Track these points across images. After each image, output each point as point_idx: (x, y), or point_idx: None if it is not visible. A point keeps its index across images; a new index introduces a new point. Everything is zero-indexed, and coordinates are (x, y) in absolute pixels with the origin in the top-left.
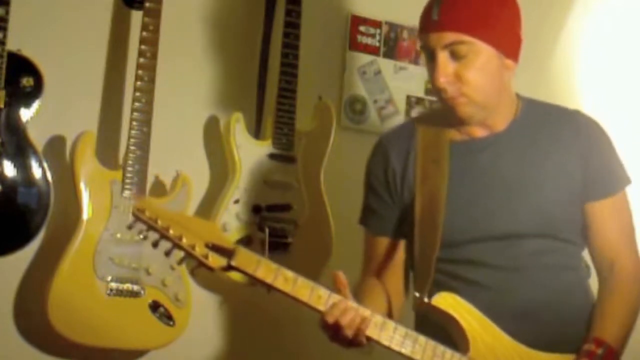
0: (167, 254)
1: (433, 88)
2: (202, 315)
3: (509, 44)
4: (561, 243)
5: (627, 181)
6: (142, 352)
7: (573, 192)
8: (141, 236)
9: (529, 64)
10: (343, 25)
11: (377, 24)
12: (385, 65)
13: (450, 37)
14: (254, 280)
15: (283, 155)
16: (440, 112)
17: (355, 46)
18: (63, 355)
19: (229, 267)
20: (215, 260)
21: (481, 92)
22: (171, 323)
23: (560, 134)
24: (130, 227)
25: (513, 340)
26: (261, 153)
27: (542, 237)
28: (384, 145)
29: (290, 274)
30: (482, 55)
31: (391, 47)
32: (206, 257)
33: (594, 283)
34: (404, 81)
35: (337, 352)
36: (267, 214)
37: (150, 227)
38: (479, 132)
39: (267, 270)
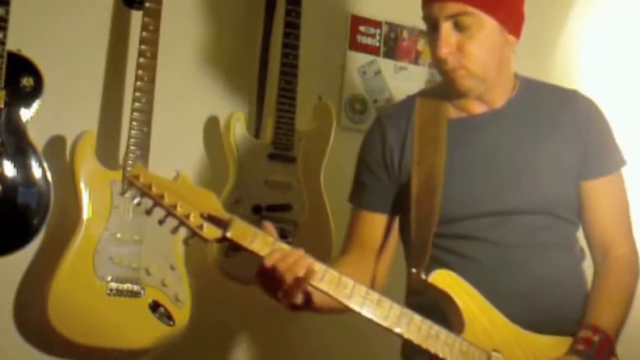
0: (161, 222)
1: (434, 59)
2: (202, 315)
3: (511, 19)
4: (558, 220)
5: (622, 162)
6: (142, 352)
7: (570, 171)
8: (135, 202)
9: (530, 62)
10: (343, 25)
11: (377, 24)
12: (385, 65)
13: (455, 7)
14: (249, 254)
15: (283, 155)
16: (438, 89)
17: (355, 46)
18: (63, 355)
19: (224, 239)
20: (210, 231)
21: (481, 65)
22: (171, 323)
23: (558, 112)
24: (123, 193)
25: (509, 322)
26: (261, 153)
27: (539, 213)
28: (382, 123)
29: (286, 247)
30: (485, 27)
31: (391, 47)
32: (201, 227)
33: (588, 267)
34: (404, 81)
35: (337, 351)
36: (267, 214)
37: (144, 194)
38: (477, 108)
39: (264, 243)
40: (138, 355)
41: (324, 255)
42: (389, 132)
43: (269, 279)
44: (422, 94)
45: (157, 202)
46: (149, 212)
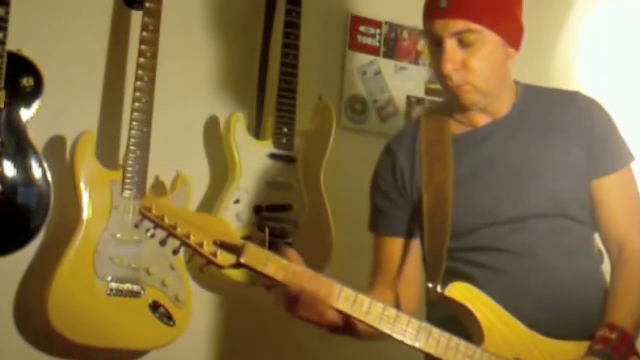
0: (175, 252)
1: (438, 75)
2: (202, 315)
3: (513, 33)
4: (573, 223)
5: (630, 158)
6: (142, 352)
7: (579, 171)
8: (148, 234)
9: (530, 63)
10: (343, 25)
11: (377, 24)
12: (385, 65)
13: (459, 25)
14: (263, 277)
15: (283, 155)
16: (441, 107)
17: (355, 46)
18: (63, 355)
19: (238, 265)
20: (224, 258)
21: (486, 80)
22: (171, 323)
23: (561, 114)
24: (137, 226)
25: (529, 330)
26: (261, 153)
27: (553, 216)
28: (391, 147)
29: (300, 269)
30: (488, 43)
31: (391, 47)
32: (214, 254)
33: (607, 269)
34: (404, 81)
35: (337, 350)
36: (267, 214)
37: (158, 225)
38: (481, 120)
39: (277, 267)
40: (138, 355)
41: (324, 255)
42: (399, 155)
43: (296, 304)
44: (427, 114)
45: (171, 232)
46: (163, 242)
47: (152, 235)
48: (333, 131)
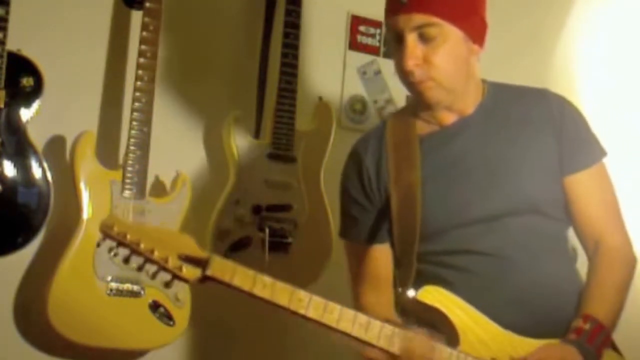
0: (140, 268)
1: (399, 71)
2: (202, 315)
3: (475, 29)
4: (545, 219)
5: (602, 153)
6: (142, 352)
7: (550, 167)
8: (112, 254)
9: (530, 62)
10: (343, 25)
11: (377, 24)
12: (385, 65)
13: (419, 19)
14: (231, 289)
15: (283, 155)
16: (408, 109)
17: (355, 46)
18: (63, 355)
19: (205, 278)
20: (190, 272)
21: (448, 75)
22: (171, 323)
23: (530, 112)
24: (98, 245)
25: (504, 330)
26: (261, 153)
27: (525, 213)
28: (356, 151)
29: (267, 279)
30: (450, 38)
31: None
32: (180, 269)
33: (582, 267)
34: None
35: (337, 351)
36: (267, 214)
37: (120, 243)
38: (448, 119)
39: (244, 277)
40: (138, 355)
41: (324, 255)
42: (364, 158)
43: None
44: (394, 115)
45: (134, 249)
46: (126, 260)
47: (116, 254)
48: (333, 131)
